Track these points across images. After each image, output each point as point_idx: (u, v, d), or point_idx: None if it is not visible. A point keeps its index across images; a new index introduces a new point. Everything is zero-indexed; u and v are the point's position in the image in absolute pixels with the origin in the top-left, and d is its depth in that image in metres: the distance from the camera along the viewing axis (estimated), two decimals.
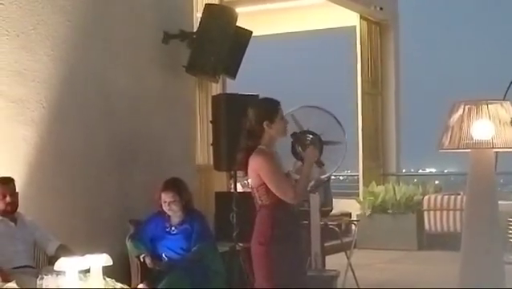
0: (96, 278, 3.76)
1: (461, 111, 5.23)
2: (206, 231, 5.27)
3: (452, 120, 5.26)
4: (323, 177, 6.24)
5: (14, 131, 5.28)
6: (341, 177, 16.04)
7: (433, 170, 20.40)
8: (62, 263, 3.68)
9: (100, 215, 5.86)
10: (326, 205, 7.95)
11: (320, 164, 3.88)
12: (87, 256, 3.84)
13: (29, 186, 5.24)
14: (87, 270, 3.85)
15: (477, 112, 5.17)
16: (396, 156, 12.03)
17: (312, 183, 4.02)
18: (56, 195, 5.49)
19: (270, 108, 3.88)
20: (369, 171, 11.42)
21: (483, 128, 5.12)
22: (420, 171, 21.25)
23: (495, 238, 5.26)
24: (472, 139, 5.13)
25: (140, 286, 4.75)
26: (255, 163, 3.82)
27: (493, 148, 5.23)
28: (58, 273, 3.73)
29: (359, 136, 11.31)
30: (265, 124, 3.86)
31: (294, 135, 3.87)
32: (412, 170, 18.93)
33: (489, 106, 5.20)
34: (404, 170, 13.11)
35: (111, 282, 4.04)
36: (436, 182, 11.85)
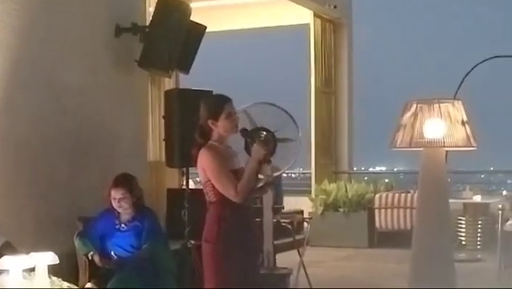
0: (42, 277, 3.63)
1: (413, 109, 5.27)
2: (157, 229, 5.17)
3: (404, 118, 5.29)
4: (276, 174, 6.22)
5: None
6: (293, 175, 16.08)
7: (383, 168, 20.63)
8: (5, 261, 3.55)
9: (48, 212, 5.70)
10: (277, 202, 7.95)
11: (267, 161, 3.82)
12: (33, 254, 3.71)
13: None
14: (32, 269, 3.72)
15: (429, 111, 5.22)
16: (349, 154, 12.11)
17: (262, 182, 3.94)
18: (2, 191, 5.33)
19: (213, 107, 3.85)
20: (321, 169, 11.47)
21: (435, 126, 5.16)
22: (371, 169, 21.47)
23: (446, 235, 5.31)
24: (424, 138, 5.17)
25: (88, 285, 4.63)
26: (201, 159, 3.79)
27: (444, 146, 5.27)
28: (1, 271, 3.60)
29: (311, 134, 11.34)
30: (209, 122, 3.82)
31: (243, 131, 3.82)
32: (363, 168, 19.10)
33: (441, 105, 5.25)
34: (355, 168, 13.20)
35: (57, 281, 3.92)
36: (386, 180, 11.97)
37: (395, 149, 5.42)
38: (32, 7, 5.72)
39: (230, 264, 3.75)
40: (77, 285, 4.52)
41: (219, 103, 3.84)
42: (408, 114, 5.30)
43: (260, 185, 3.92)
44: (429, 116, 5.22)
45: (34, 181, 5.65)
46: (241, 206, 3.76)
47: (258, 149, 3.75)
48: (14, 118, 5.53)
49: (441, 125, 5.16)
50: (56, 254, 4.11)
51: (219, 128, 3.83)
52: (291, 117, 5.98)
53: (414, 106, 5.28)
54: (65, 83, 6.03)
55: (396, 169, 16.53)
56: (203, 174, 3.82)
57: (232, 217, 3.76)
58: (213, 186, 3.78)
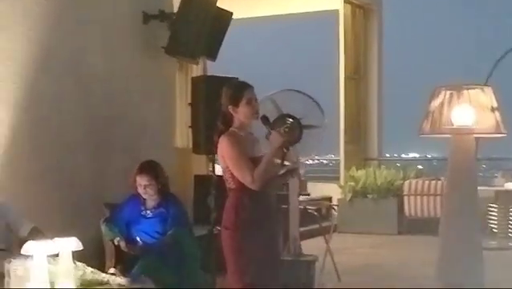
0: (66, 262, 3.68)
1: (441, 96, 5.21)
2: (182, 215, 5.19)
3: (432, 105, 5.23)
4: (301, 160, 6.20)
5: None
6: (325, 161, 16.04)
7: (416, 155, 20.44)
8: (29, 247, 3.60)
9: (76, 198, 5.77)
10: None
11: (286, 148, 3.79)
12: (57, 240, 3.76)
13: (3, 168, 5.15)
14: (57, 255, 3.77)
15: (457, 97, 5.15)
16: (378, 141, 12.03)
17: (284, 169, 3.91)
18: (31, 177, 5.40)
19: (233, 93, 3.83)
20: (351, 155, 11.41)
21: (463, 113, 5.09)
22: (403, 156, 21.31)
23: (474, 223, 5.25)
24: (452, 124, 5.11)
25: (111, 270, 4.67)
26: (221, 146, 3.79)
27: (473, 133, 5.20)
28: (27, 257, 3.66)
29: (340, 121, 11.29)
30: (230, 108, 3.82)
31: (264, 118, 3.81)
32: (396, 155, 18.98)
33: (470, 91, 5.17)
34: (387, 155, 13.12)
35: (81, 266, 3.96)
36: (420, 167, 11.87)
37: (423, 136, 5.37)
38: None
39: (249, 251, 3.75)
40: (103, 270, 4.57)
41: (239, 90, 3.84)
42: (437, 100, 5.24)
43: (282, 172, 3.90)
44: (458, 102, 5.15)
45: (62, 166, 5.71)
46: (261, 193, 3.75)
47: (276, 136, 3.73)
48: (43, 105, 5.60)
49: (470, 112, 5.09)
50: (83, 239, 4.15)
51: (239, 114, 3.82)
52: (317, 104, 5.95)
53: (442, 92, 5.21)
54: (92, 70, 6.08)
55: (429, 156, 16.36)
56: (223, 161, 3.83)
57: (250, 204, 3.76)
58: (232, 173, 3.79)
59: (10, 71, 5.33)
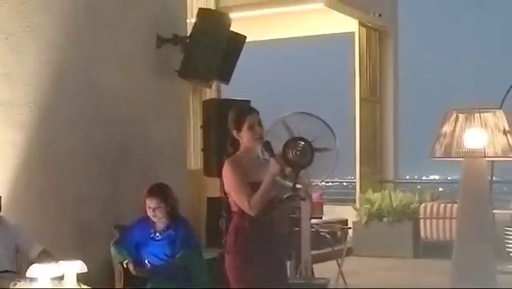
0: (70, 284, 3.70)
1: (453, 119, 5.18)
2: (191, 238, 5.20)
3: (444, 128, 5.21)
4: (314, 184, 6.18)
5: (0, 134, 5.23)
6: (344, 183, 15.95)
7: (437, 177, 20.27)
8: (34, 270, 3.63)
9: (87, 220, 5.80)
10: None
11: (283, 176, 3.77)
12: (61, 262, 3.78)
13: (15, 189, 5.21)
14: (62, 277, 3.79)
15: (469, 121, 5.12)
16: (394, 163, 11.97)
17: (288, 193, 3.88)
18: (42, 198, 5.45)
19: (235, 118, 3.85)
20: (367, 178, 11.36)
21: (475, 136, 5.06)
22: (424, 178, 21.15)
23: (487, 247, 5.19)
24: (464, 147, 5.08)
25: None
26: (223, 170, 3.80)
27: (485, 156, 5.17)
28: (32, 279, 3.68)
29: (356, 143, 11.26)
30: (234, 132, 3.83)
31: (265, 144, 3.79)
32: (416, 177, 18.83)
33: (482, 114, 5.15)
34: (407, 177, 12.99)
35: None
36: (440, 189, 11.75)
37: (434, 159, 5.34)
38: (75, 20, 5.85)
39: (249, 276, 3.74)
40: None
41: (241, 115, 3.85)
42: (449, 124, 5.22)
43: (287, 195, 3.88)
44: (470, 125, 5.12)
45: (74, 189, 5.75)
46: (262, 218, 3.74)
47: (273, 164, 3.71)
48: (56, 126, 5.66)
49: (482, 135, 5.07)
50: (94, 261, 4.19)
51: (243, 138, 3.83)
52: (329, 127, 5.93)
53: (454, 115, 5.19)
54: (106, 93, 6.14)
55: (450, 178, 16.18)
56: (225, 185, 3.84)
57: (250, 229, 3.75)
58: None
59: (22, 93, 5.40)
